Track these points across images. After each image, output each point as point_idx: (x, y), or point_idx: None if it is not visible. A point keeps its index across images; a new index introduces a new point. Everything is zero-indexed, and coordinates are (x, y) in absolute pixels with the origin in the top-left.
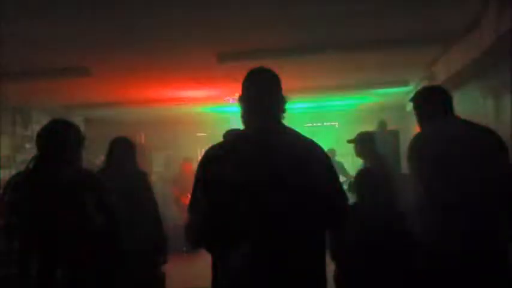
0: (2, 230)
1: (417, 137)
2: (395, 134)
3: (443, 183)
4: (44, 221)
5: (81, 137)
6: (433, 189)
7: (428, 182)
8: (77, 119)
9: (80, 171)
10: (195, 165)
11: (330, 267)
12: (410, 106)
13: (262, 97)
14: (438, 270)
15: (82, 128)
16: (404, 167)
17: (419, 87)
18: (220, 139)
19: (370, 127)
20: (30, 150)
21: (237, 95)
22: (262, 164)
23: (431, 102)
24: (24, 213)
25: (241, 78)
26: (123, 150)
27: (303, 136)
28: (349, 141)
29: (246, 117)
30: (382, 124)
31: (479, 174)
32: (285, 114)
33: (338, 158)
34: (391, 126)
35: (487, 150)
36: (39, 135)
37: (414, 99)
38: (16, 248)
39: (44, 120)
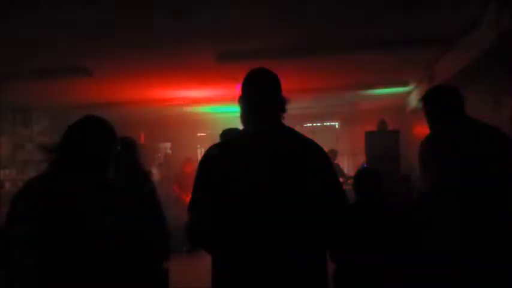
0: (17, 243)
1: (428, 137)
2: (395, 134)
3: (454, 183)
4: (58, 236)
5: (111, 140)
6: (445, 189)
7: (440, 182)
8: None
9: (100, 182)
10: (195, 165)
11: (330, 267)
12: (410, 106)
13: (262, 97)
14: (442, 269)
15: None
16: (404, 167)
17: (419, 87)
18: (219, 139)
19: (370, 127)
20: (30, 150)
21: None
22: (261, 164)
23: (442, 102)
24: (38, 226)
25: (241, 78)
26: (124, 149)
27: (302, 136)
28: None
29: (246, 117)
30: (382, 124)
31: (490, 175)
32: (284, 115)
33: (338, 157)
34: (391, 126)
35: (498, 151)
36: (64, 134)
37: (424, 99)
38: (31, 263)
39: (44, 120)
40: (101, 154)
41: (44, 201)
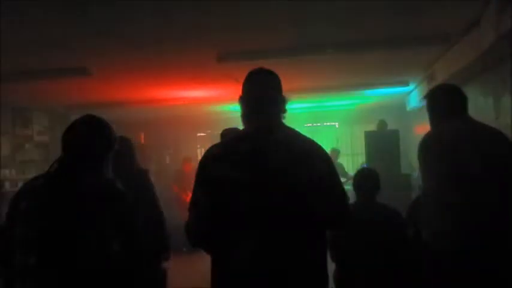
0: (18, 242)
1: (427, 136)
2: (395, 134)
3: (450, 183)
4: (59, 236)
5: (111, 139)
6: (441, 189)
7: (435, 181)
8: None
9: (102, 182)
10: (195, 164)
11: (330, 267)
12: (410, 106)
13: (263, 97)
14: (442, 269)
15: None
16: (404, 166)
17: (419, 87)
18: (219, 139)
19: (370, 127)
20: (30, 150)
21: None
22: (262, 163)
23: (444, 101)
24: (39, 225)
25: (241, 78)
26: (122, 149)
27: (303, 136)
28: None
29: (247, 117)
30: (382, 124)
31: (487, 175)
32: (285, 114)
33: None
34: (391, 126)
35: (495, 151)
36: (64, 134)
37: (427, 97)
38: (32, 263)
39: (44, 120)
40: (98, 154)
41: (44, 202)
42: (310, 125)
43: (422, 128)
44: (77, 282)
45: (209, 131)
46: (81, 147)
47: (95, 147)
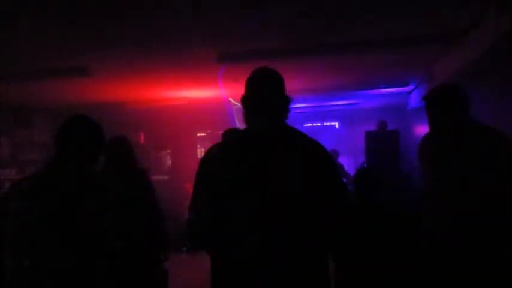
0: (9, 244)
1: (427, 136)
2: (395, 134)
3: (450, 183)
4: (52, 236)
5: (100, 139)
6: (440, 189)
7: (435, 181)
8: None
9: (89, 180)
10: None
11: (330, 267)
12: (410, 106)
13: (265, 97)
14: (440, 268)
15: None
16: (404, 166)
17: (419, 87)
18: (220, 139)
19: (370, 127)
20: (30, 150)
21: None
22: (263, 163)
23: (441, 102)
24: (32, 226)
25: (241, 78)
26: (120, 149)
27: (306, 136)
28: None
29: (249, 116)
30: (382, 124)
31: (487, 175)
32: (288, 114)
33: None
34: (391, 126)
35: (495, 152)
36: (55, 135)
37: (425, 98)
38: (26, 265)
39: (44, 120)
40: (87, 153)
41: (35, 202)
42: (310, 125)
43: (422, 128)
44: (72, 282)
45: (209, 131)
46: (71, 147)
47: (84, 147)
